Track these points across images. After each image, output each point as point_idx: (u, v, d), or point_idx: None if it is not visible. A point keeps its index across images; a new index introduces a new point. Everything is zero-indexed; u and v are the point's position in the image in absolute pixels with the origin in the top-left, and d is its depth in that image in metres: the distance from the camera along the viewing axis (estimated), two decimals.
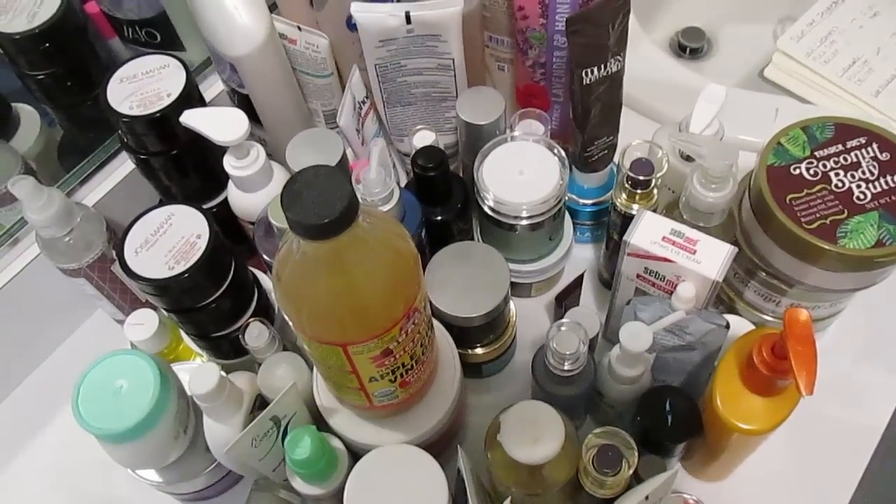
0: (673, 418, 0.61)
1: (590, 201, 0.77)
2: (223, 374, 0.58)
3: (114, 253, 0.69)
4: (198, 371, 0.57)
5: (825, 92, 0.85)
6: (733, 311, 0.72)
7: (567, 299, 0.70)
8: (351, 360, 0.50)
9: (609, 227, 0.72)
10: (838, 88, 0.84)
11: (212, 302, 0.63)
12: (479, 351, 0.71)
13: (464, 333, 0.67)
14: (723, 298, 0.73)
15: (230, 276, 0.64)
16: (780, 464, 0.69)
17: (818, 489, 0.68)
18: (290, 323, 0.50)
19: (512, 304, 0.73)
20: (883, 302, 0.76)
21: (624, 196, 0.68)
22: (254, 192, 0.66)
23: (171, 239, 0.61)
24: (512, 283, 0.76)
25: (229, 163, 0.64)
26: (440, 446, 0.64)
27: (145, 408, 0.59)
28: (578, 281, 0.70)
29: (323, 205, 0.42)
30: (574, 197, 0.77)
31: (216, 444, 0.61)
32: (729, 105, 0.79)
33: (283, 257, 0.47)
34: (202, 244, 0.61)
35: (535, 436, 0.56)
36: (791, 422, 0.70)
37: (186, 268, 0.60)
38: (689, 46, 1.07)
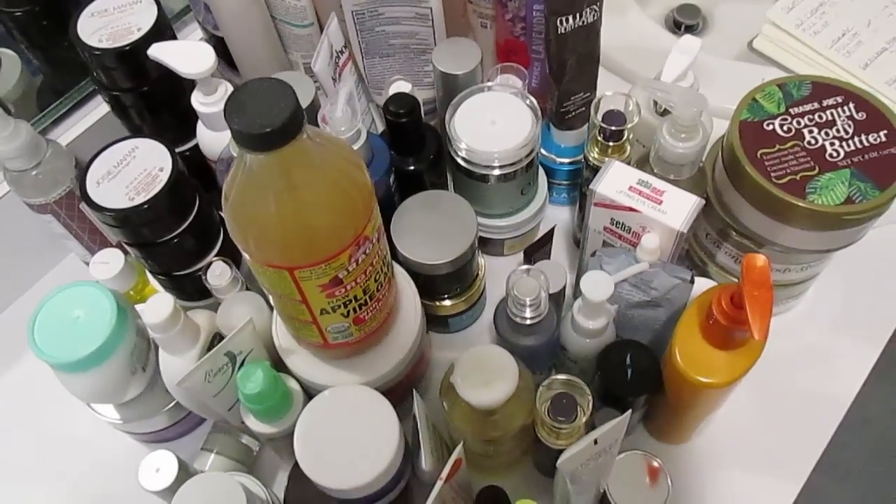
0: (633, 372, 0.60)
1: (566, 160, 0.76)
2: (178, 305, 0.58)
3: (85, 204, 0.68)
4: (152, 300, 0.57)
5: (813, 64, 0.84)
6: (706, 274, 0.71)
7: (536, 254, 0.69)
8: (299, 287, 0.50)
9: (582, 185, 0.71)
10: (826, 60, 0.83)
11: (174, 237, 0.63)
12: (446, 303, 0.70)
13: (430, 283, 0.67)
14: (696, 262, 0.72)
15: (193, 213, 0.63)
16: (744, 431, 0.68)
17: (781, 458, 0.67)
18: (239, 246, 0.49)
19: (482, 259, 0.72)
20: (858, 274, 0.75)
21: (596, 150, 0.67)
22: (221, 130, 0.65)
23: (133, 171, 0.61)
24: (484, 240, 0.75)
25: (197, 99, 0.64)
26: (399, 394, 0.63)
27: (100, 338, 0.58)
28: (549, 235, 0.69)
29: (266, 115, 0.41)
30: (551, 156, 0.76)
31: (170, 377, 0.60)
32: (714, 75, 0.78)
33: (232, 177, 0.46)
34: (164, 177, 0.60)
35: (487, 378, 0.55)
36: (759, 390, 0.70)
37: (147, 199, 0.59)
38: (685, 23, 1.06)
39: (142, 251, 0.64)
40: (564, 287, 0.67)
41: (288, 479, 0.64)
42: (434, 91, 0.77)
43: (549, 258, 0.71)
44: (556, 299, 0.66)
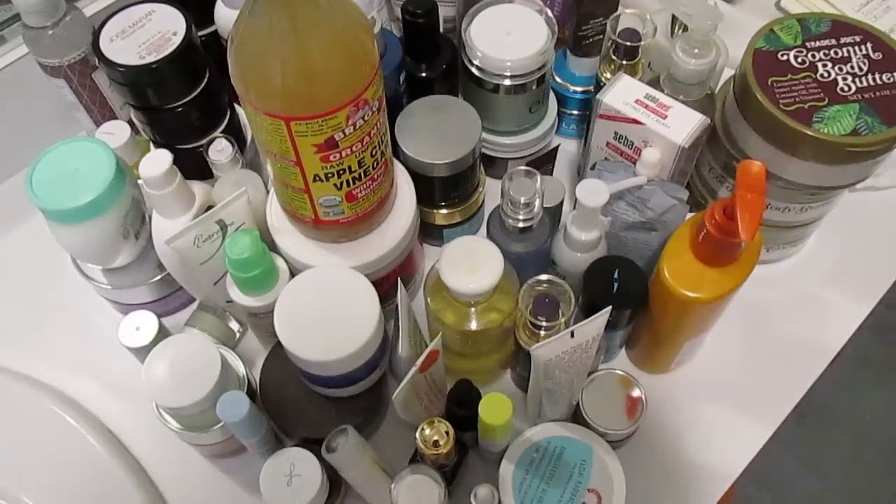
0: (620, 287, 0.60)
1: (579, 88, 0.76)
2: (176, 167, 0.58)
3: (97, 59, 0.69)
4: (151, 155, 0.57)
5: None
6: None
7: (539, 170, 0.68)
8: (294, 145, 0.50)
9: (592, 111, 0.71)
10: None
11: (179, 106, 0.63)
12: (442, 211, 0.70)
13: (429, 188, 0.67)
14: (697, 199, 0.71)
15: (202, 85, 0.64)
16: (726, 370, 0.68)
17: (757, 401, 0.67)
18: (238, 92, 0.49)
19: (484, 176, 0.72)
20: (858, 229, 0.75)
21: (609, 72, 0.67)
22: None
23: (147, 32, 0.61)
24: (488, 159, 0.75)
25: None
26: (384, 289, 0.63)
27: (96, 191, 0.59)
28: (552, 154, 0.69)
29: None
30: (564, 83, 0.76)
31: (161, 238, 0.61)
32: (739, 30, 0.77)
33: (238, 18, 0.47)
34: (177, 41, 0.61)
35: (472, 267, 0.55)
36: (746, 332, 0.70)
37: (157, 59, 0.60)
38: None
39: (147, 116, 0.64)
40: (562, 203, 0.67)
41: (265, 361, 0.64)
42: (455, 8, 0.77)
43: (550, 175, 0.71)
44: (553, 214, 0.66)
